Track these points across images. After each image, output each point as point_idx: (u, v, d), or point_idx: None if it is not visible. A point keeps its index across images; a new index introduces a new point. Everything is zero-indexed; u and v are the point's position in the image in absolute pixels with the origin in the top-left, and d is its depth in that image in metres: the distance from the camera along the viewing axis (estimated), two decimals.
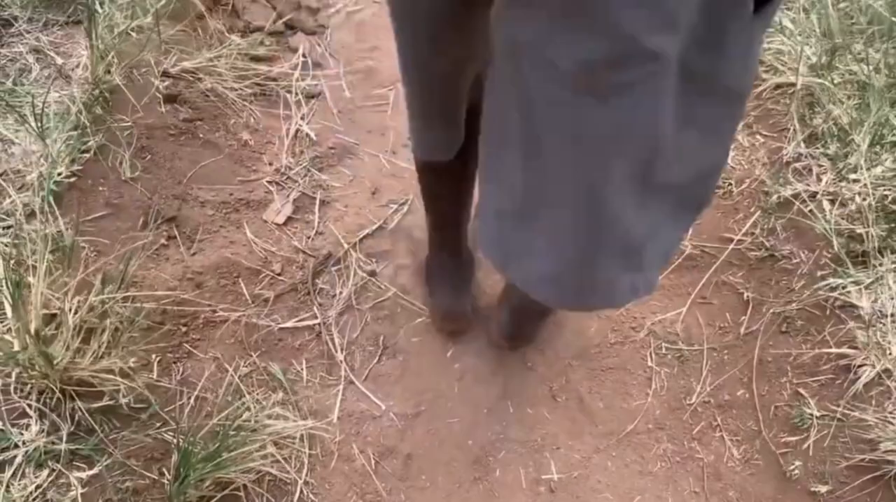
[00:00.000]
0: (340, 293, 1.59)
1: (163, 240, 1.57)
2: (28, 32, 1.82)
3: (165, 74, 1.78)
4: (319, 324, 1.54)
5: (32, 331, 1.22)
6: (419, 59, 1.01)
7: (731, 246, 1.58)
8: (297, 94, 1.93)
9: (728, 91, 0.71)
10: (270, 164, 1.79)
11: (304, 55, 2.02)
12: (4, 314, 1.31)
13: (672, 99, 0.68)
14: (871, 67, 1.64)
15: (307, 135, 1.86)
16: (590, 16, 0.62)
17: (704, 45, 0.65)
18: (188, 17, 1.94)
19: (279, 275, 1.60)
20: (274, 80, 1.93)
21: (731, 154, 1.70)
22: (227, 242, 1.62)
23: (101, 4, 1.84)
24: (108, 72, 1.70)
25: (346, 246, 1.66)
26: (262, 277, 1.59)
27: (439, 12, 0.90)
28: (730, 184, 1.67)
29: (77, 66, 1.74)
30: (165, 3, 1.85)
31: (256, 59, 1.96)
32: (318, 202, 1.74)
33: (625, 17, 0.61)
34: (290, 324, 1.54)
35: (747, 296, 1.51)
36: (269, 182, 1.75)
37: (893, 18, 1.72)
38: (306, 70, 1.99)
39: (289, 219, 1.71)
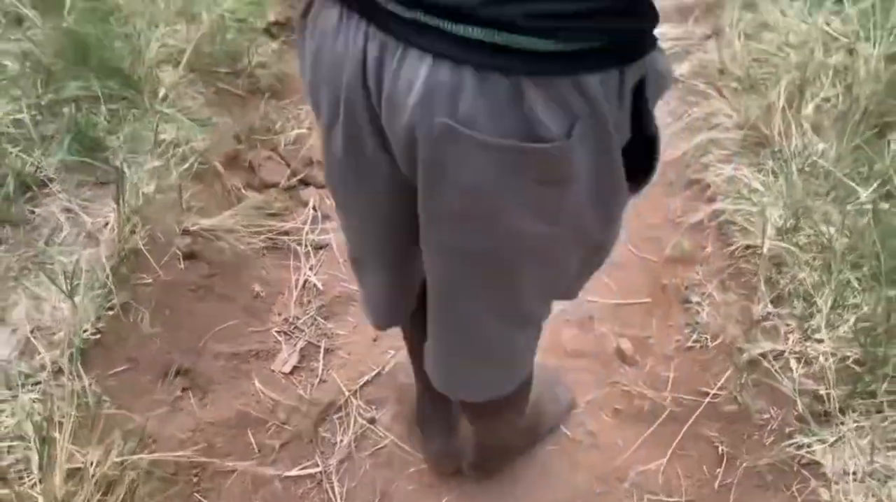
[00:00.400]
0: (341, 441, 1.70)
1: (178, 393, 1.70)
2: (60, 193, 2.00)
3: (185, 232, 1.95)
4: (321, 472, 1.65)
5: (57, 492, 1.33)
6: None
7: (707, 399, 1.69)
8: (306, 245, 2.08)
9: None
10: (280, 315, 1.92)
11: (314, 208, 2.19)
12: (30, 470, 1.43)
13: None
14: (832, 230, 1.79)
15: (314, 285, 2.00)
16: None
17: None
18: (208, 175, 2.12)
19: (284, 423, 1.71)
20: (286, 233, 2.09)
21: (707, 309, 1.84)
22: (237, 393, 1.74)
23: (129, 167, 2.02)
24: (133, 232, 1.86)
25: (346, 393, 1.78)
26: (269, 426, 1.70)
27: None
28: (706, 338, 1.79)
29: (105, 226, 1.91)
30: (188, 167, 2.03)
31: (270, 214, 2.12)
32: (322, 351, 1.86)
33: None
34: (293, 472, 1.64)
35: (722, 450, 1.61)
36: (278, 332, 1.89)
37: (851, 183, 1.88)
38: (315, 223, 2.15)
39: (295, 368, 1.83)
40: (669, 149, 2.27)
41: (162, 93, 2.22)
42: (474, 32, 0.68)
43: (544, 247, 0.87)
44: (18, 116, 2.09)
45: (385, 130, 0.82)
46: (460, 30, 0.69)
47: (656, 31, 0.76)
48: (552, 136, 0.72)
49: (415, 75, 0.73)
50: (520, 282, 0.93)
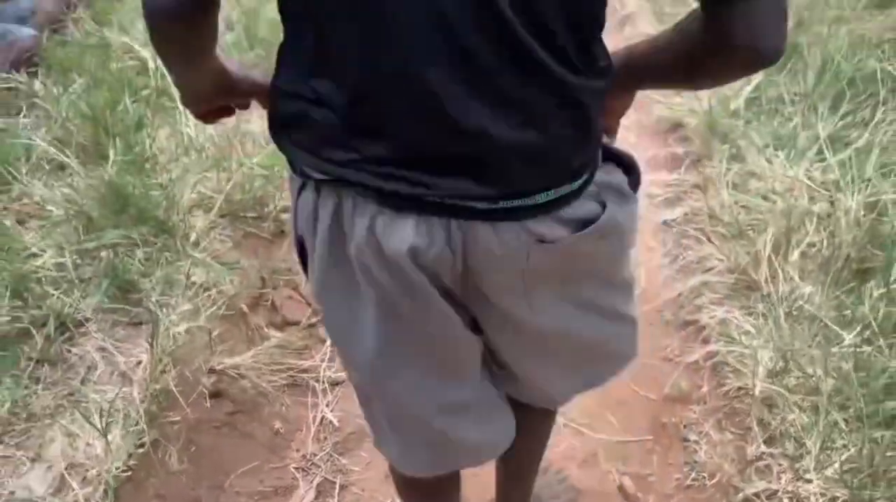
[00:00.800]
0: None
1: None
2: (96, 333, 2.14)
3: (212, 371, 2.08)
4: None
5: None
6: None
7: None
8: (323, 382, 2.20)
9: None
10: (298, 451, 2.02)
11: (331, 345, 2.31)
12: None
13: None
14: (819, 372, 1.91)
15: (330, 421, 2.11)
16: None
17: None
18: (234, 315, 2.26)
19: None
20: (305, 371, 2.22)
21: (704, 448, 1.93)
22: None
23: (161, 309, 2.17)
24: (164, 372, 1.99)
25: None
26: None
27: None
28: (704, 476, 1.88)
29: (137, 366, 2.04)
30: (216, 309, 2.18)
31: (291, 351, 2.26)
32: (337, 487, 1.95)
33: None
34: None
35: None
36: (296, 468, 1.98)
37: (835, 327, 2.01)
38: (333, 360, 2.27)
39: None
40: (666, 290, 2.42)
41: (193, 237, 2.40)
42: (549, 195, 0.96)
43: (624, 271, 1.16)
44: (60, 260, 2.27)
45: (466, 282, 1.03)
46: (540, 198, 0.96)
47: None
48: (598, 214, 1.01)
49: (505, 240, 0.97)
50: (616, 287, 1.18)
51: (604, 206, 1.02)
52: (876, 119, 2.71)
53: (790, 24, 2.84)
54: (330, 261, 1.03)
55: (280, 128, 1.00)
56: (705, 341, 2.18)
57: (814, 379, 1.90)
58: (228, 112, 1.18)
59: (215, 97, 1.13)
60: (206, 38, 1.03)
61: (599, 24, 0.94)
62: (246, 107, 1.18)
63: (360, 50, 0.88)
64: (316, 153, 0.96)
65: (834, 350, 1.97)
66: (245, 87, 1.12)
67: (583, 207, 1.01)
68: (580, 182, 0.99)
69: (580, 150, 0.98)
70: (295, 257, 1.14)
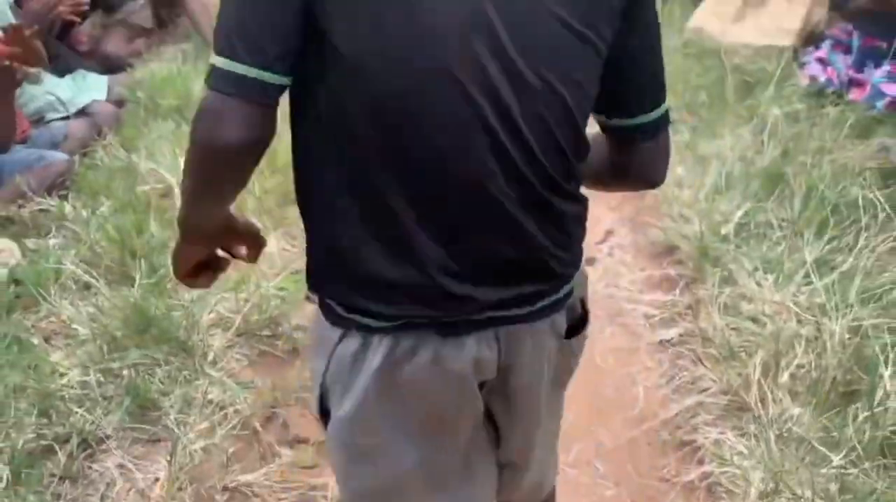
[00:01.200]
0: None
1: None
2: (116, 449, 2.24)
3: (225, 489, 2.16)
4: None
5: None
6: None
7: None
8: (332, 500, 2.28)
9: None
10: None
11: None
12: None
13: None
14: (808, 493, 1.98)
15: None
16: None
17: None
18: (248, 433, 2.36)
19: None
20: (314, 488, 2.30)
21: None
22: None
23: (178, 426, 2.27)
24: (181, 489, 2.08)
25: None
26: None
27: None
28: None
29: (154, 483, 2.13)
30: (231, 427, 2.28)
31: (302, 468, 2.34)
32: None
33: None
34: None
35: None
36: None
37: (823, 449, 2.09)
38: None
39: None
40: (663, 410, 2.52)
41: (211, 356, 2.52)
42: (564, 289, 1.18)
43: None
44: (85, 379, 2.39)
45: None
46: (559, 294, 1.18)
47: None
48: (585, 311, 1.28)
49: (539, 337, 1.17)
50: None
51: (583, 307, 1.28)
52: (859, 244, 2.85)
53: (776, 153, 3.03)
54: (379, 393, 1.12)
55: (338, 283, 1.12)
56: (700, 462, 2.26)
57: (803, 500, 1.98)
58: (208, 277, 1.31)
59: (220, 237, 1.21)
60: (251, 173, 1.08)
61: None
62: (227, 266, 1.30)
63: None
64: (379, 302, 1.08)
65: (822, 471, 2.05)
66: (242, 227, 1.22)
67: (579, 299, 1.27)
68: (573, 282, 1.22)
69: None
70: (315, 413, 1.26)
